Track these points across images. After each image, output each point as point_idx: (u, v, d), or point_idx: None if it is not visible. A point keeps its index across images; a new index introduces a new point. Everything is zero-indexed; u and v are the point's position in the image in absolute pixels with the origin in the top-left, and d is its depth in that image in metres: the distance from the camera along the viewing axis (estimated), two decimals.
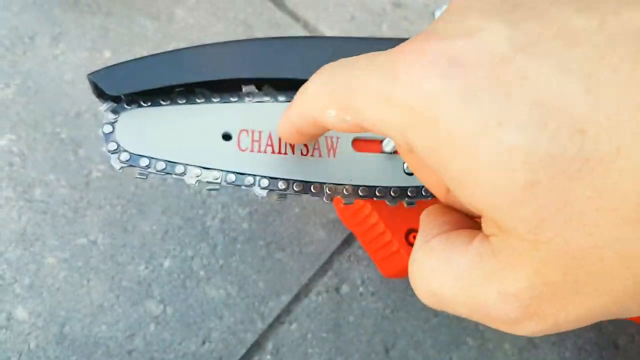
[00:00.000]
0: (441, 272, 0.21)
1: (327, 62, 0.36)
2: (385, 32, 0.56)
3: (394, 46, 0.40)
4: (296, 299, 0.46)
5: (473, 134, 0.17)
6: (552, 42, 0.17)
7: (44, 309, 0.44)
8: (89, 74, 0.32)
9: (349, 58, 0.24)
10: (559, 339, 0.47)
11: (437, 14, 0.56)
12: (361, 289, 0.47)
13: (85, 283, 0.45)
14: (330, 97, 0.23)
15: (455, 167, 0.18)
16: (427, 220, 0.24)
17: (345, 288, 0.47)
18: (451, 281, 0.21)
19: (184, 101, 0.34)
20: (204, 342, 0.44)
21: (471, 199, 0.18)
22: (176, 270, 0.46)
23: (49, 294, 0.44)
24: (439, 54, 0.18)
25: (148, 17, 0.53)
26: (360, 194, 0.35)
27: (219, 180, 0.33)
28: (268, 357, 0.45)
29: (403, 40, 0.39)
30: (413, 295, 0.47)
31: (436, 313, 0.47)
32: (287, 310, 0.46)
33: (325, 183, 0.35)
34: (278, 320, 0.46)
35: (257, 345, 0.45)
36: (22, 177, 0.46)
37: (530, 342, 0.47)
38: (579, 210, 0.16)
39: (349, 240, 0.48)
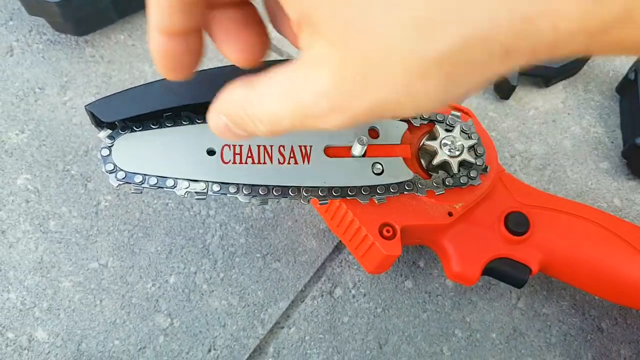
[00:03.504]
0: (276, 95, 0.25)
1: None
2: None
3: None
4: (293, 304, 0.50)
5: None
6: None
7: (62, 329, 0.47)
8: (86, 105, 0.37)
9: None
10: (544, 326, 0.50)
11: None
12: (353, 291, 0.50)
13: (98, 303, 0.48)
14: None
15: None
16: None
17: (338, 291, 0.50)
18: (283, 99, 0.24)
19: (172, 124, 0.38)
20: (209, 350, 0.48)
21: (300, 5, 0.22)
22: (181, 286, 0.49)
23: (66, 315, 0.48)
24: None
25: (146, 62, 0.59)
26: (334, 194, 0.39)
27: (205, 191, 0.38)
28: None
29: None
30: (403, 293, 0.50)
31: (425, 309, 0.50)
32: (285, 315, 0.49)
33: (301, 186, 0.39)
34: (277, 325, 0.49)
35: (259, 350, 0.48)
36: (37, 211, 0.51)
37: (517, 331, 0.49)
38: (373, 19, 0.20)
39: (339, 248, 0.52)
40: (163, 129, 0.39)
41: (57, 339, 0.47)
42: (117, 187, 0.37)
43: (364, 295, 0.50)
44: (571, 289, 0.51)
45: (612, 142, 0.58)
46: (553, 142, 0.58)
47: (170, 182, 0.37)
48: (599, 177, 0.56)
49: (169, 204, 0.52)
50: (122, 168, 0.37)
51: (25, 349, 0.47)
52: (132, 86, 0.39)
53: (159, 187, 0.37)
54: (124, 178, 0.37)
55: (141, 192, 0.38)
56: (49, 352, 0.47)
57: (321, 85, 0.22)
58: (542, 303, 0.51)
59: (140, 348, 0.47)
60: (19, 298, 0.48)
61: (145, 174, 0.37)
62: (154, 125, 0.39)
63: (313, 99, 0.23)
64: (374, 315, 0.49)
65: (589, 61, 0.62)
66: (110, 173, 0.36)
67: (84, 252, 0.50)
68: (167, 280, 0.50)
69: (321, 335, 0.49)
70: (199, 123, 0.39)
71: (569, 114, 0.60)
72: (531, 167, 0.56)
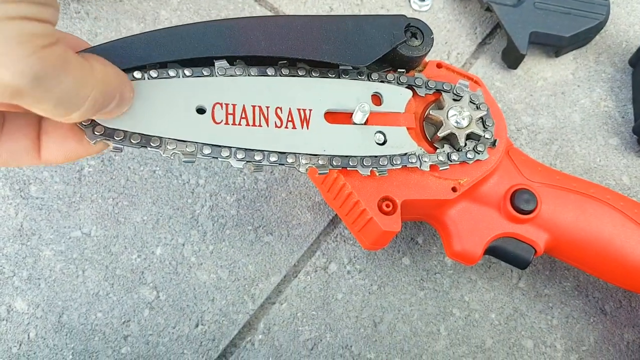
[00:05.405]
0: None
1: (294, 37, 0.38)
2: None
3: (354, 23, 0.41)
4: (285, 279, 0.47)
5: None
6: None
7: (42, 299, 0.45)
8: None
9: None
10: (546, 307, 0.48)
11: (414, 0, 0.58)
12: (348, 267, 0.48)
13: (81, 273, 0.46)
14: None
15: None
16: None
17: (332, 267, 0.48)
18: None
19: (156, 75, 0.35)
20: (197, 325, 0.46)
21: None
22: (168, 258, 0.47)
23: (47, 285, 0.46)
24: None
25: (134, 19, 0.55)
26: (334, 163, 0.37)
27: (194, 153, 0.34)
28: (260, 336, 0.46)
29: (364, 16, 0.40)
30: (400, 271, 0.48)
31: (422, 287, 0.48)
32: (277, 290, 0.47)
33: (299, 153, 0.36)
34: (268, 300, 0.47)
35: (248, 326, 0.46)
36: (18, 175, 0.48)
37: (517, 311, 0.48)
38: None
39: (335, 221, 0.49)
40: (148, 81, 0.35)
41: (38, 310, 0.45)
42: (93, 142, 0.33)
43: (360, 271, 0.48)
44: (574, 269, 0.49)
45: (623, 117, 0.56)
46: (561, 116, 0.55)
47: (155, 142, 0.34)
48: (608, 154, 0.54)
49: (157, 171, 0.49)
50: (100, 123, 0.33)
51: (3, 320, 0.44)
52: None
53: (142, 146, 0.34)
54: (102, 134, 0.33)
55: (121, 151, 0.34)
56: (28, 323, 0.45)
57: None
58: (544, 283, 0.49)
59: (124, 321, 0.45)
60: None
61: (127, 131, 0.33)
62: (137, 75, 0.35)
63: None
64: (369, 293, 0.47)
65: (601, 31, 0.59)
66: (86, 127, 0.33)
67: (66, 220, 0.47)
68: (153, 252, 0.47)
69: (314, 312, 0.47)
70: (188, 76, 0.36)
71: (578, 86, 0.57)
72: (538, 142, 0.54)
